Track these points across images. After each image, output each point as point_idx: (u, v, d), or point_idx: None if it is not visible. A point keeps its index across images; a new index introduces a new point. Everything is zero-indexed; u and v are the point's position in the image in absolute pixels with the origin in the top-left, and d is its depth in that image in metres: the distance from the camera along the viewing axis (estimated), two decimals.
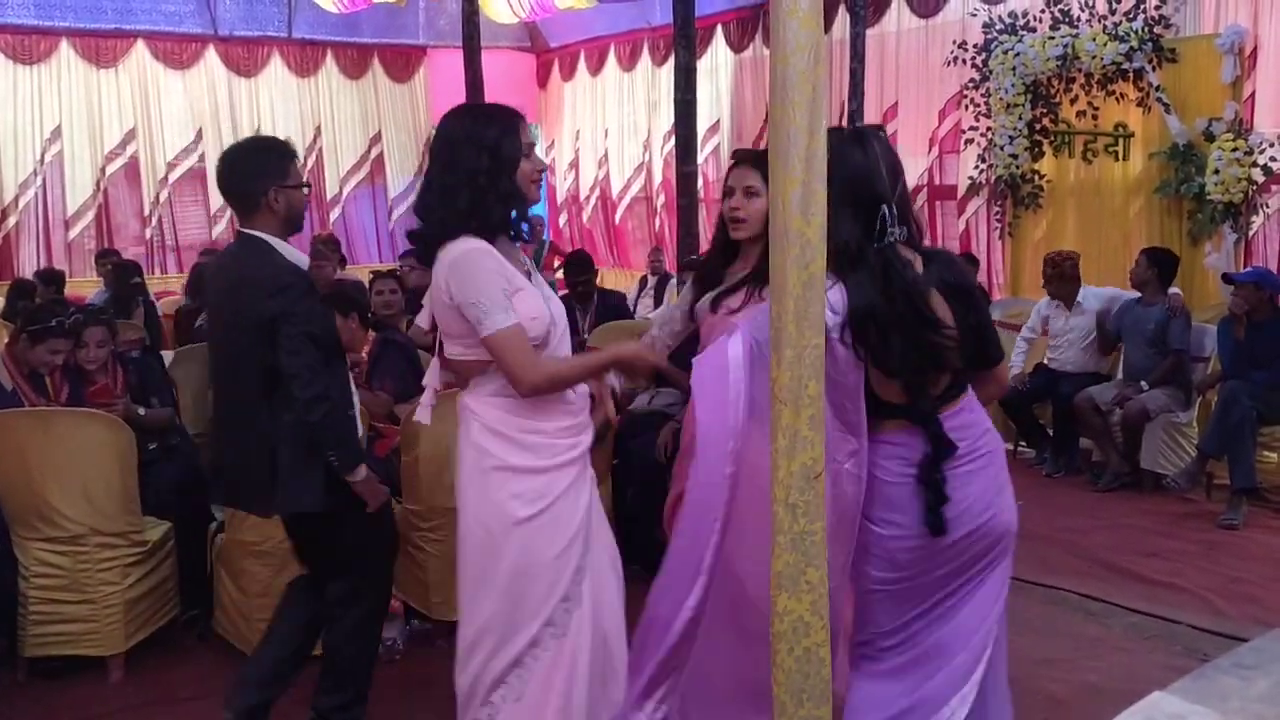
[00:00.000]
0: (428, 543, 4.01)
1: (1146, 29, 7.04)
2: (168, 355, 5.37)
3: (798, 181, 1.72)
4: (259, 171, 2.95)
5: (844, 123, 7.68)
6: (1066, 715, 3.40)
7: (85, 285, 10.00)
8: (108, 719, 3.61)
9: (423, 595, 4.07)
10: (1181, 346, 5.87)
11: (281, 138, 3.22)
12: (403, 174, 13.01)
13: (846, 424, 2.34)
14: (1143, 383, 5.91)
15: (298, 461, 2.88)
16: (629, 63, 12.10)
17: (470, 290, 2.42)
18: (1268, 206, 6.91)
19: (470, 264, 2.44)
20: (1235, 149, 6.56)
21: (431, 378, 2.76)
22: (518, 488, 2.49)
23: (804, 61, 1.70)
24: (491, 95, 8.13)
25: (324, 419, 2.84)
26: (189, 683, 3.85)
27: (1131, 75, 7.19)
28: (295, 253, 2.97)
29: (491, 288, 2.42)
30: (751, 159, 3.03)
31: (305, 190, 3.09)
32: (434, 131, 2.68)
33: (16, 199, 10.95)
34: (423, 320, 2.67)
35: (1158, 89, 7.03)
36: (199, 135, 11.71)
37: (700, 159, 10.30)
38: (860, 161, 2.33)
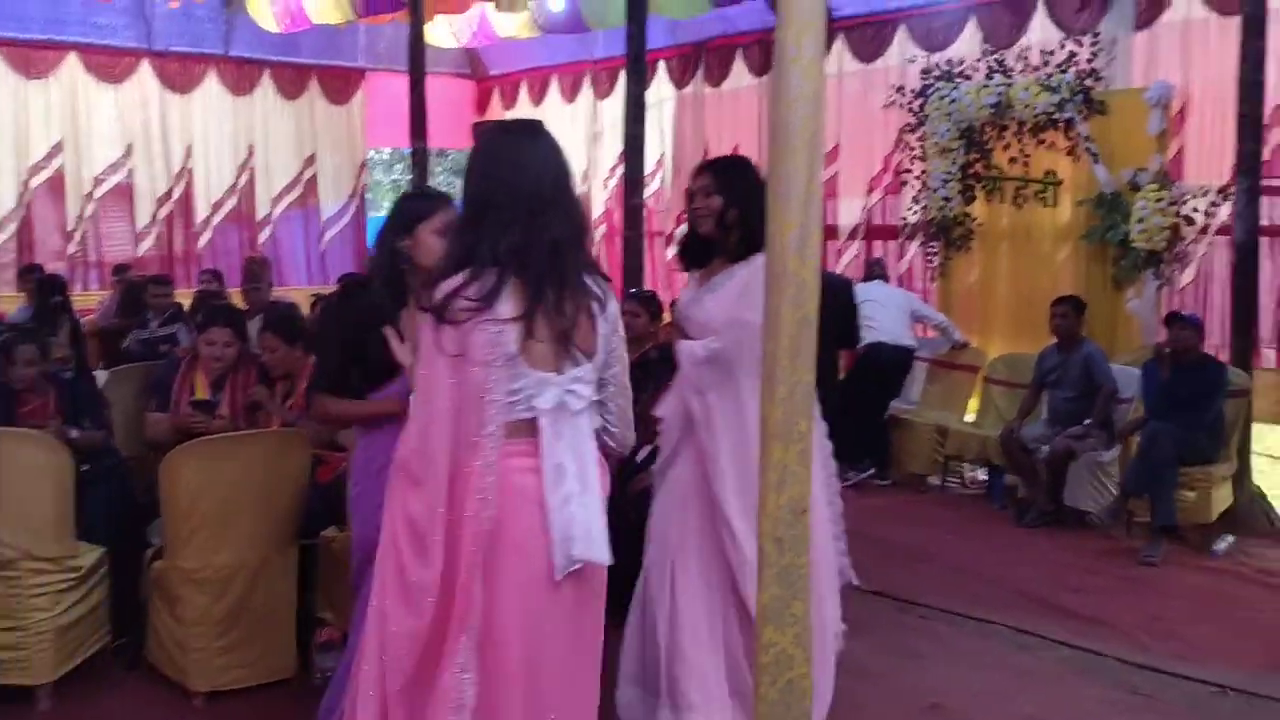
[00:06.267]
0: None
1: (1078, 81, 7.29)
2: (101, 375, 5.24)
3: (795, 224, 1.76)
4: None
5: None
6: None
7: (4, 301, 9.71)
8: None
9: None
10: (1112, 384, 6.07)
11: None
12: (336, 196, 12.82)
13: None
14: (1086, 421, 6.08)
15: None
16: (570, 95, 12.14)
17: None
18: (1185, 259, 7.18)
19: None
20: (1159, 199, 6.81)
21: None
22: None
23: (806, 108, 1.74)
24: (432, 120, 8.16)
25: None
26: (119, 714, 3.76)
27: (1062, 125, 7.42)
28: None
29: None
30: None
31: None
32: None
33: None
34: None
35: (1087, 139, 7.27)
36: (128, 151, 11.44)
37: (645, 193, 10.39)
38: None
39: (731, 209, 3.28)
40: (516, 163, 2.35)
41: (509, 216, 2.29)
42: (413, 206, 3.13)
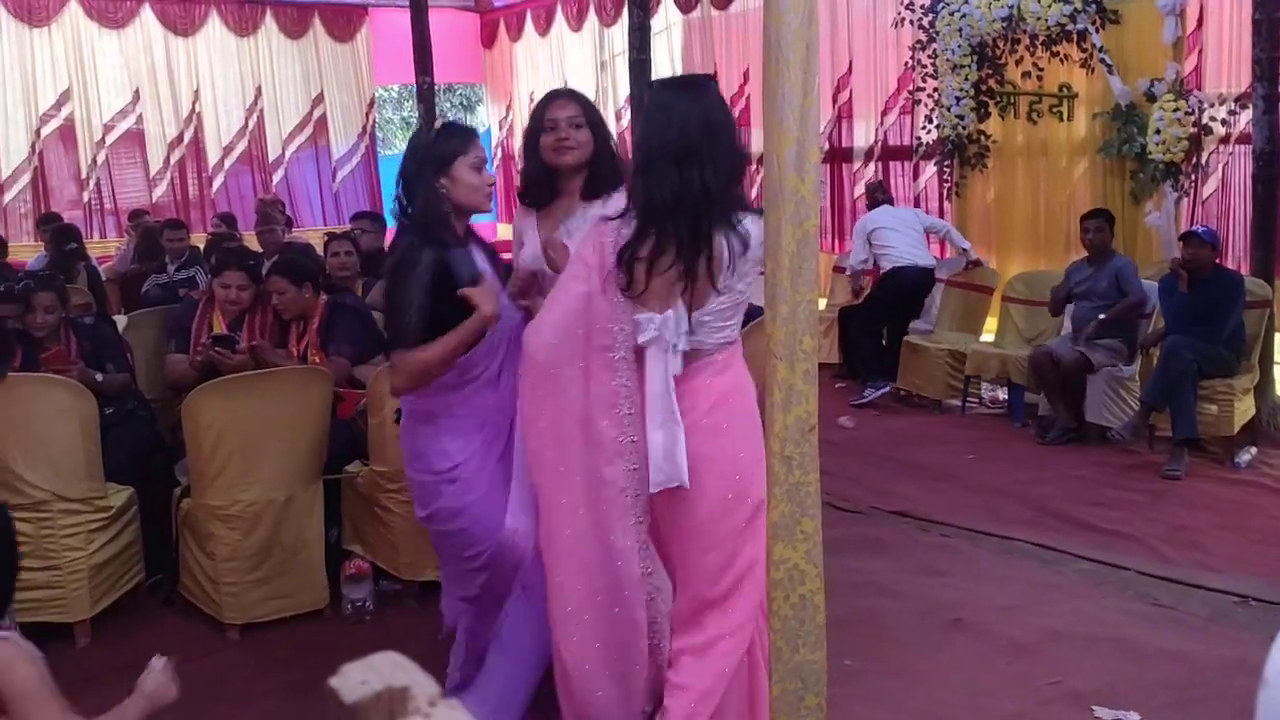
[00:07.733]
0: (396, 504, 4.01)
1: None
2: (120, 320, 5.28)
3: (792, 140, 1.75)
4: None
5: None
6: (1032, 658, 3.51)
7: (23, 251, 9.76)
8: (75, 685, 3.55)
9: (391, 556, 4.08)
10: (1142, 295, 6.03)
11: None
12: (346, 135, 12.82)
13: None
14: (1101, 316, 6.00)
15: None
16: (577, 23, 12.00)
17: None
18: (1206, 166, 7.07)
19: None
20: (1176, 109, 6.70)
21: None
22: None
23: (798, 20, 1.72)
24: (437, 55, 8.08)
25: None
26: (156, 647, 3.77)
27: (1075, 36, 7.28)
28: None
29: None
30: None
31: None
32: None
33: None
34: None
35: (1101, 50, 7.13)
36: (136, 96, 11.47)
37: None
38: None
39: (601, 143, 3.08)
40: (666, 115, 2.56)
41: (659, 167, 2.52)
42: (447, 144, 3.02)
